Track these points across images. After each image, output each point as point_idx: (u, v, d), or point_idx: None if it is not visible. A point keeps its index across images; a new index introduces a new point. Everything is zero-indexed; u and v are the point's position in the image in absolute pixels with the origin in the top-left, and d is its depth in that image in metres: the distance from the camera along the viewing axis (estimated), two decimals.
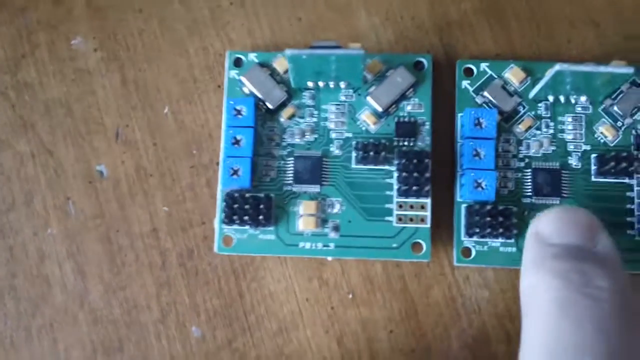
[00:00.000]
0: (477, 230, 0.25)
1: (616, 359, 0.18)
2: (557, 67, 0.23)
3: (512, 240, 0.25)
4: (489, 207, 0.25)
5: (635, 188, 0.26)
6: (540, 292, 0.20)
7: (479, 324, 0.26)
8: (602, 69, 0.24)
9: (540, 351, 0.19)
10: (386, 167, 0.26)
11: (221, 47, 0.29)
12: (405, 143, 0.26)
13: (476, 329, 0.26)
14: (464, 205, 0.26)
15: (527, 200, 0.26)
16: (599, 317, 0.19)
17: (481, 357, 0.26)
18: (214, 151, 0.28)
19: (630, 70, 0.23)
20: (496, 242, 0.26)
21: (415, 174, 0.25)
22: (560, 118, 0.27)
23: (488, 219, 0.25)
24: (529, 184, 0.26)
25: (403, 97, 0.27)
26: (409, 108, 0.27)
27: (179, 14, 0.29)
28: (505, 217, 0.25)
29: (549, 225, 0.22)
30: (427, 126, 0.26)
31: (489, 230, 0.25)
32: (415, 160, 0.25)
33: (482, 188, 0.25)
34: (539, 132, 0.27)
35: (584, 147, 0.26)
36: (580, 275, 0.20)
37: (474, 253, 0.26)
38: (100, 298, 0.27)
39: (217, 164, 0.28)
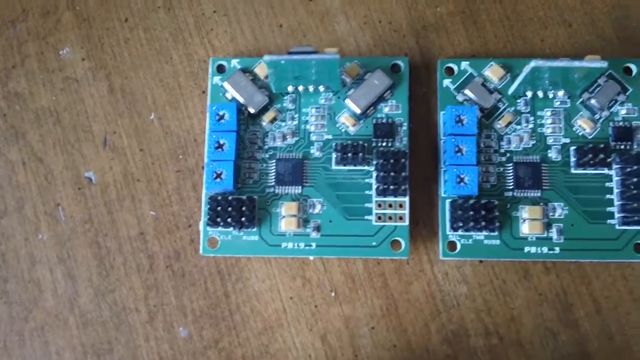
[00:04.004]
0: (461, 224, 0.26)
1: None
2: (533, 63, 0.24)
3: (496, 233, 0.26)
4: (472, 201, 0.26)
5: (614, 178, 0.26)
6: None
7: (458, 319, 0.27)
8: (576, 63, 0.24)
9: None
10: (365, 167, 0.27)
11: (205, 54, 0.29)
12: (383, 144, 0.27)
13: (455, 324, 0.27)
14: (448, 201, 0.26)
15: (509, 193, 0.26)
16: None
17: (460, 351, 0.26)
18: (200, 155, 0.29)
19: (604, 64, 0.24)
20: (480, 235, 0.26)
21: (393, 174, 0.26)
22: (539, 113, 0.27)
23: (471, 212, 0.25)
24: (511, 177, 0.27)
25: (381, 99, 0.27)
26: (386, 109, 0.27)
27: (164, 23, 0.30)
28: (488, 210, 0.25)
29: None
30: (405, 127, 0.27)
31: (472, 223, 0.25)
32: (392, 160, 0.26)
33: (465, 183, 0.26)
34: (519, 127, 0.27)
35: (563, 140, 0.27)
36: None
37: (459, 246, 0.26)
38: (90, 301, 0.28)
39: (203, 167, 0.28)
